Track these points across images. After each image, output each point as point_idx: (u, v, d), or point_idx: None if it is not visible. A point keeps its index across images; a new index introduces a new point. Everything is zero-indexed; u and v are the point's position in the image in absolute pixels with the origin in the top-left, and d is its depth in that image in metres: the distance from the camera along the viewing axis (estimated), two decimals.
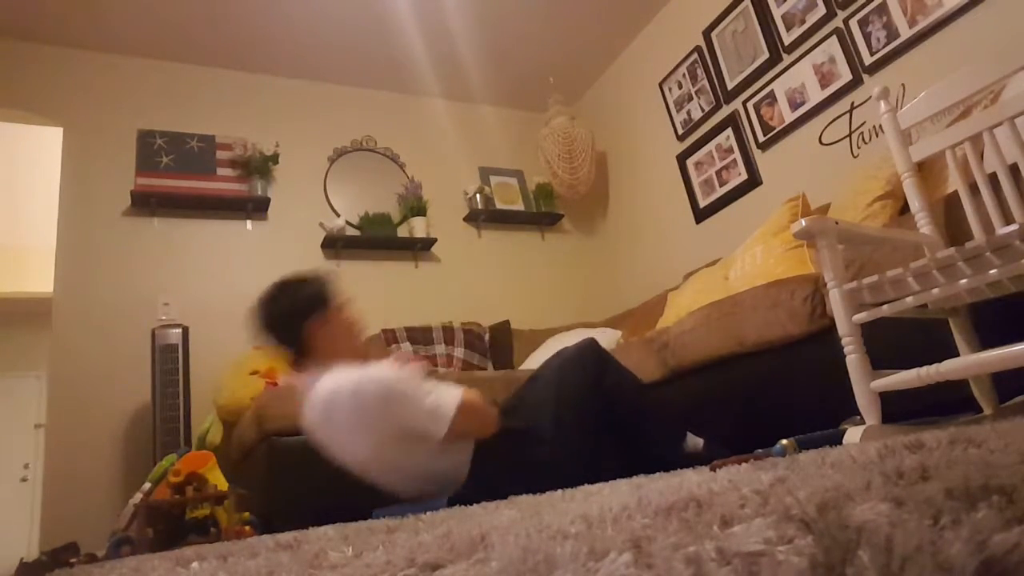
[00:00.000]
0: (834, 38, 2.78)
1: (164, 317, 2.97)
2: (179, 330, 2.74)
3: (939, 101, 1.55)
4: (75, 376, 2.81)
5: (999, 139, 1.42)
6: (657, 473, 1.39)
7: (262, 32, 3.40)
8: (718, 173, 3.42)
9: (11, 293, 5.10)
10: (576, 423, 1.68)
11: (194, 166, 3.31)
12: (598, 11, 3.66)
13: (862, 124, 2.71)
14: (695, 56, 3.52)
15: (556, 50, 3.91)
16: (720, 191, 3.41)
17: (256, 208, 3.37)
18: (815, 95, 2.89)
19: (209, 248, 3.24)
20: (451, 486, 1.58)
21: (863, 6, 2.66)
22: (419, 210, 3.70)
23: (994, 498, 0.33)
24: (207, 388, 2.68)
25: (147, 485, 1.99)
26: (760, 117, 3.17)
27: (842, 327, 1.30)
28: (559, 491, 1.22)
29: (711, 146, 3.45)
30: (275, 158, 3.43)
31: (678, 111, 3.67)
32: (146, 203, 3.14)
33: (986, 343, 1.34)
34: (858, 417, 1.30)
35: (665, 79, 3.73)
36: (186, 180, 3.26)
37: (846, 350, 1.29)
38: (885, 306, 1.27)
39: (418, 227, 3.66)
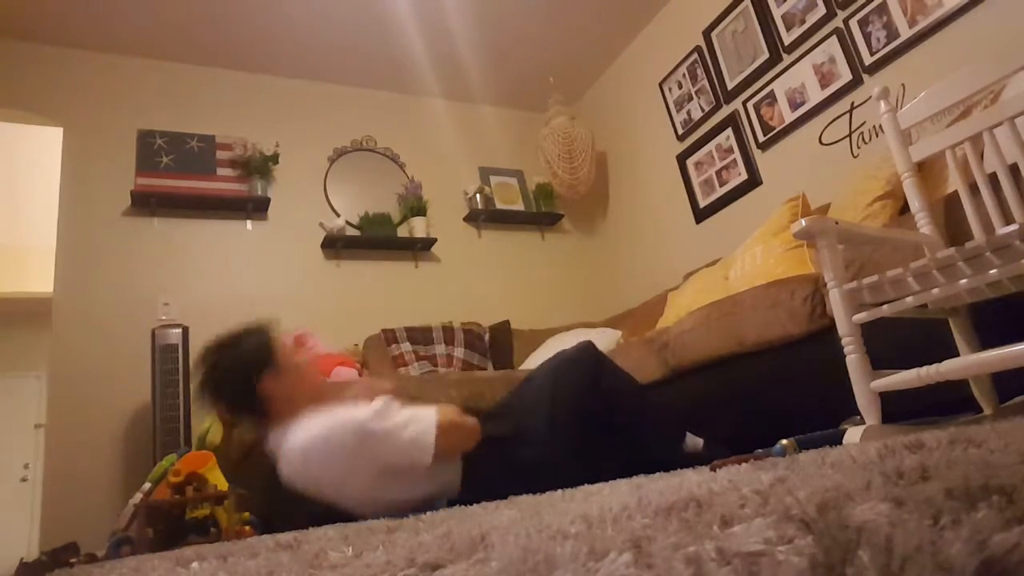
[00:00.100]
0: (834, 38, 2.78)
1: (164, 317, 2.97)
2: (179, 330, 2.74)
3: (939, 101, 1.55)
4: (75, 376, 2.81)
5: (999, 139, 1.42)
6: (657, 473, 1.39)
7: (262, 32, 3.40)
8: (718, 173, 3.42)
9: (11, 293, 5.11)
10: (570, 424, 1.67)
11: (194, 166, 3.31)
12: (598, 11, 3.66)
13: (862, 124, 2.71)
14: (695, 56, 3.52)
15: (556, 50, 3.91)
16: (720, 191, 3.41)
17: (256, 208, 3.37)
18: (815, 95, 2.89)
19: (209, 248, 3.24)
20: (446, 498, 1.57)
21: (863, 6, 2.66)
22: (419, 210, 3.70)
23: (994, 498, 0.33)
24: None
25: (147, 485, 1.99)
26: (760, 117, 3.17)
27: (842, 327, 1.30)
28: (559, 491, 1.22)
29: (711, 146, 3.45)
30: (275, 158, 3.43)
31: (678, 111, 3.67)
32: (146, 203, 3.14)
33: (986, 343, 1.34)
34: (858, 417, 1.29)
35: (665, 79, 3.73)
36: (186, 180, 3.26)
37: (846, 350, 1.29)
38: (885, 306, 1.26)
39: (418, 227, 3.66)
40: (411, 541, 0.64)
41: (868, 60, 2.65)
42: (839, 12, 2.76)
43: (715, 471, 1.02)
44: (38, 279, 4.33)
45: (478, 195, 3.93)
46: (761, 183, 3.20)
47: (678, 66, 3.64)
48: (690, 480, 0.83)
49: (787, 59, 3.02)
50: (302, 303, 3.28)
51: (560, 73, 4.06)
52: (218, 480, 1.91)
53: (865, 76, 2.69)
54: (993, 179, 1.43)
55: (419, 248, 3.71)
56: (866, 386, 1.26)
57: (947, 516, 0.31)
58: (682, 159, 3.63)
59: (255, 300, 3.20)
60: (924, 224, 1.53)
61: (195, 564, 0.78)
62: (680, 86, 3.65)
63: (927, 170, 1.94)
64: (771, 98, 3.10)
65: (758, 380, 2.00)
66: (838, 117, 2.81)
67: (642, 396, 1.86)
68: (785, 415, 1.89)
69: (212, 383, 1.61)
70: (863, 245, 1.67)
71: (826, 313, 1.72)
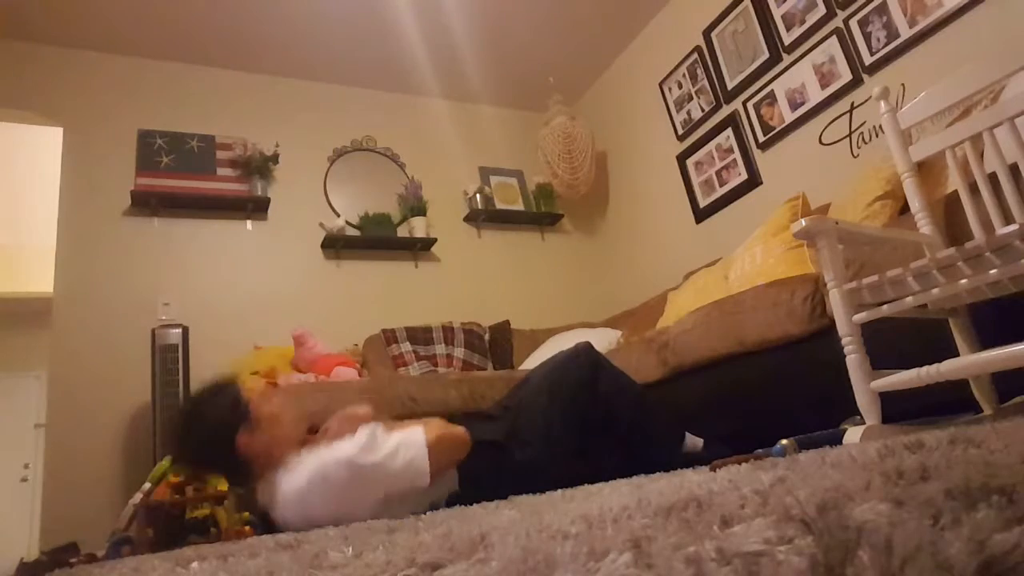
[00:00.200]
0: (834, 38, 2.78)
1: (164, 317, 2.97)
2: (179, 330, 2.74)
3: (939, 101, 1.55)
4: (75, 376, 2.81)
5: (999, 139, 1.42)
6: (657, 473, 1.39)
7: (262, 32, 3.40)
8: (718, 173, 3.42)
9: (11, 293, 5.10)
10: (567, 425, 1.67)
11: (194, 166, 3.31)
12: (598, 11, 3.66)
13: (862, 124, 2.71)
14: (695, 56, 3.52)
15: (556, 50, 3.91)
16: (720, 191, 3.41)
17: (256, 208, 3.37)
18: (815, 95, 2.89)
19: (209, 248, 3.24)
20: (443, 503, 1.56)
21: (863, 6, 2.66)
22: (419, 210, 3.70)
23: (994, 498, 0.33)
24: None
25: (147, 485, 1.99)
26: (760, 117, 3.17)
27: (842, 327, 1.30)
28: (559, 491, 1.22)
29: (711, 146, 3.45)
30: (275, 158, 3.43)
31: (678, 111, 3.67)
32: (146, 203, 3.14)
33: (986, 343, 1.34)
34: (858, 417, 1.30)
35: (665, 79, 3.73)
36: (186, 180, 3.26)
37: (846, 350, 1.29)
38: (885, 306, 1.27)
39: (418, 227, 3.66)
40: (411, 541, 0.64)
41: (868, 60, 2.65)
42: (839, 12, 2.76)
43: (715, 471, 1.02)
44: (38, 279, 4.34)
45: (478, 195, 3.93)
46: (761, 183, 3.20)
47: (678, 66, 3.64)
48: (690, 480, 0.83)
49: (787, 59, 3.02)
50: (302, 303, 3.29)
51: (560, 73, 4.06)
52: (218, 480, 1.91)
53: (865, 76, 2.69)
54: (993, 179, 1.43)
55: (419, 248, 3.71)
56: (866, 386, 1.26)
57: (947, 516, 0.31)
58: (682, 159, 3.63)
59: (255, 300, 3.20)
60: (924, 224, 1.53)
61: (195, 564, 0.78)
62: (680, 86, 3.65)
63: (927, 170, 1.94)
64: (771, 98, 3.10)
65: (758, 380, 2.00)
66: (838, 117, 2.81)
67: (641, 396, 1.85)
68: (785, 415, 1.89)
69: (193, 453, 1.59)
70: (863, 245, 1.67)
71: (826, 313, 1.72)
